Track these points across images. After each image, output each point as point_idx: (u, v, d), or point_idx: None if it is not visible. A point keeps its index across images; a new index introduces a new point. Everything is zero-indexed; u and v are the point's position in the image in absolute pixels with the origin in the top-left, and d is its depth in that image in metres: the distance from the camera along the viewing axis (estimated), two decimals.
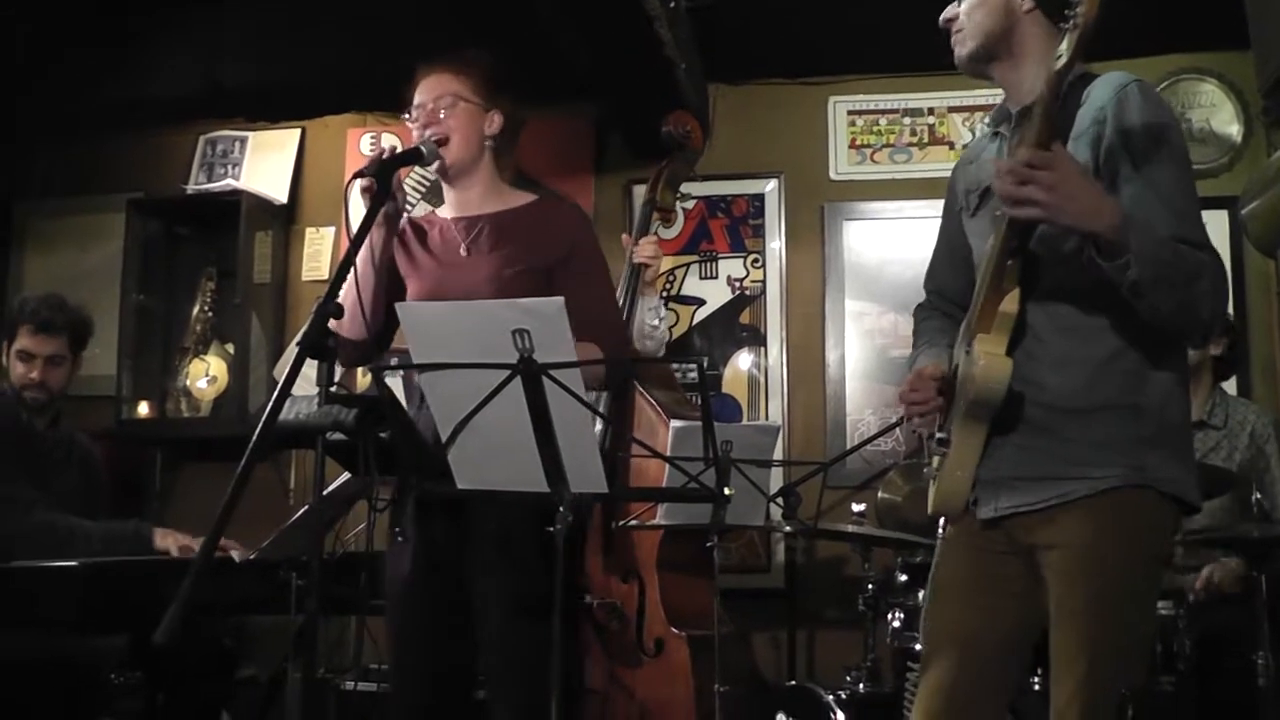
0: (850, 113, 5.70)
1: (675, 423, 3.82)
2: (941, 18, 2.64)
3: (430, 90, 3.13)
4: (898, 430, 5.29)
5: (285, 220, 6.06)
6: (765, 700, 4.52)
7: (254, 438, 2.23)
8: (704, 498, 3.05)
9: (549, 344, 2.39)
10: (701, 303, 5.69)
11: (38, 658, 3.78)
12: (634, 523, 4.09)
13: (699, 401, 4.80)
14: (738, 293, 5.67)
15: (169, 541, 4.10)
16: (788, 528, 4.63)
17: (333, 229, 6.02)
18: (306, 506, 3.71)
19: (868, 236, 5.58)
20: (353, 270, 2.67)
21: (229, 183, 6.04)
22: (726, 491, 3.16)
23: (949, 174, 2.89)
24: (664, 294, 5.62)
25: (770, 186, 5.71)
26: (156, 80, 5.73)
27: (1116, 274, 2.23)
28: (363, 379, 5.27)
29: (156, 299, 5.98)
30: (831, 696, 4.23)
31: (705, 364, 4.53)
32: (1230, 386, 4.86)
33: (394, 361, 3.10)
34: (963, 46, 2.61)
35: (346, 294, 3.01)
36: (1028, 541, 2.47)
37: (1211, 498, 3.82)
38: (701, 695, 4.04)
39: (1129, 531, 2.37)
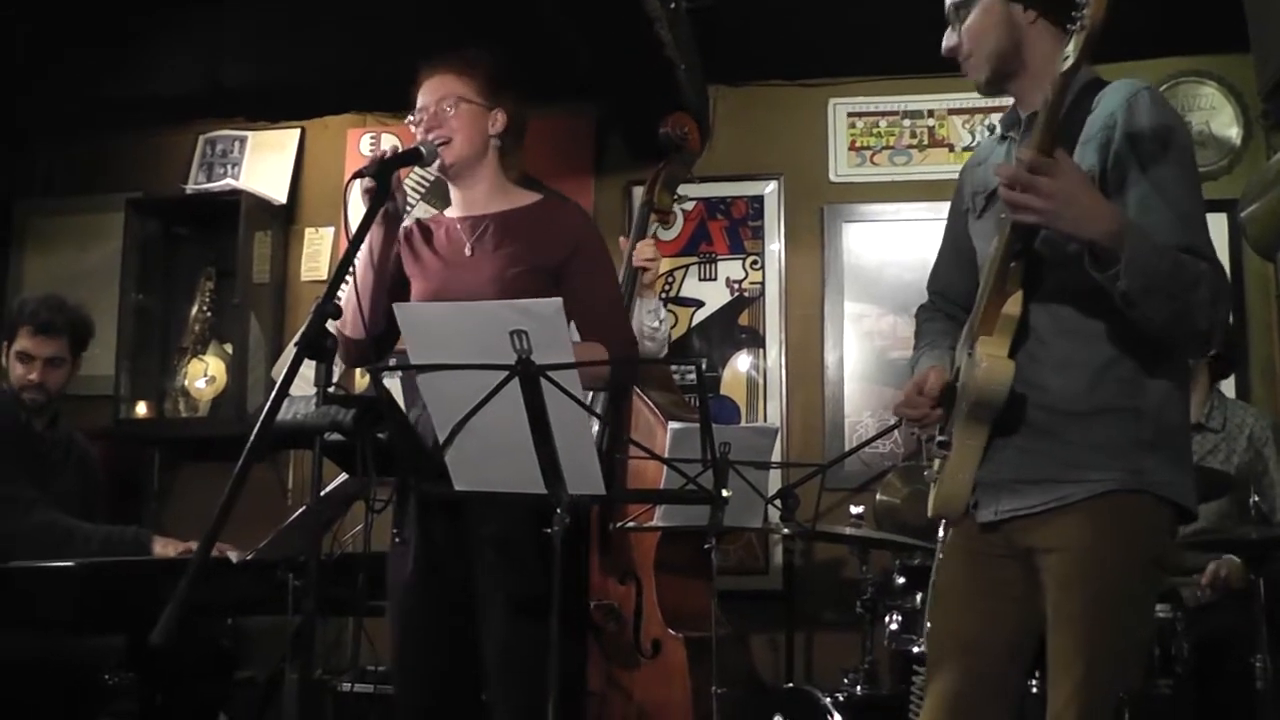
0: (850, 114, 5.70)
1: (673, 424, 3.82)
2: (944, 47, 2.62)
3: (433, 92, 3.12)
4: (896, 432, 5.29)
5: (284, 220, 6.06)
6: (763, 702, 4.51)
7: (252, 438, 2.22)
8: (702, 499, 3.04)
9: (547, 345, 2.39)
10: (700, 304, 5.68)
11: (34, 658, 3.78)
12: (632, 524, 4.09)
13: (697, 403, 4.80)
14: (737, 294, 5.67)
15: (168, 551, 4.10)
16: (786, 530, 4.63)
17: (332, 229, 6.02)
18: (304, 507, 3.71)
19: (867, 238, 5.58)
20: (352, 270, 2.66)
21: (228, 183, 6.04)
22: (724, 493, 3.16)
23: (949, 176, 2.90)
24: (663, 295, 5.62)
25: (770, 188, 5.71)
26: (156, 80, 5.73)
27: (1108, 283, 2.23)
28: (361, 380, 5.27)
29: (155, 299, 5.98)
30: (829, 699, 4.23)
31: (704, 365, 4.53)
32: (1229, 389, 4.86)
33: (393, 362, 3.11)
34: (978, 74, 2.59)
35: (347, 294, 3.02)
36: (1026, 544, 2.47)
37: (1209, 500, 3.83)
38: (699, 697, 4.05)
39: (1126, 535, 2.37)
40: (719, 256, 5.71)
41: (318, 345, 2.39)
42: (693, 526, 3.93)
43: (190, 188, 6.09)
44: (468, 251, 3.10)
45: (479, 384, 2.44)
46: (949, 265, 2.85)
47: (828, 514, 4.99)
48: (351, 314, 3.02)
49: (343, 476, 3.36)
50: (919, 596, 4.17)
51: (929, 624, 2.74)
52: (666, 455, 3.58)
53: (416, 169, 5.05)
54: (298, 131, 6.15)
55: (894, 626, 4.24)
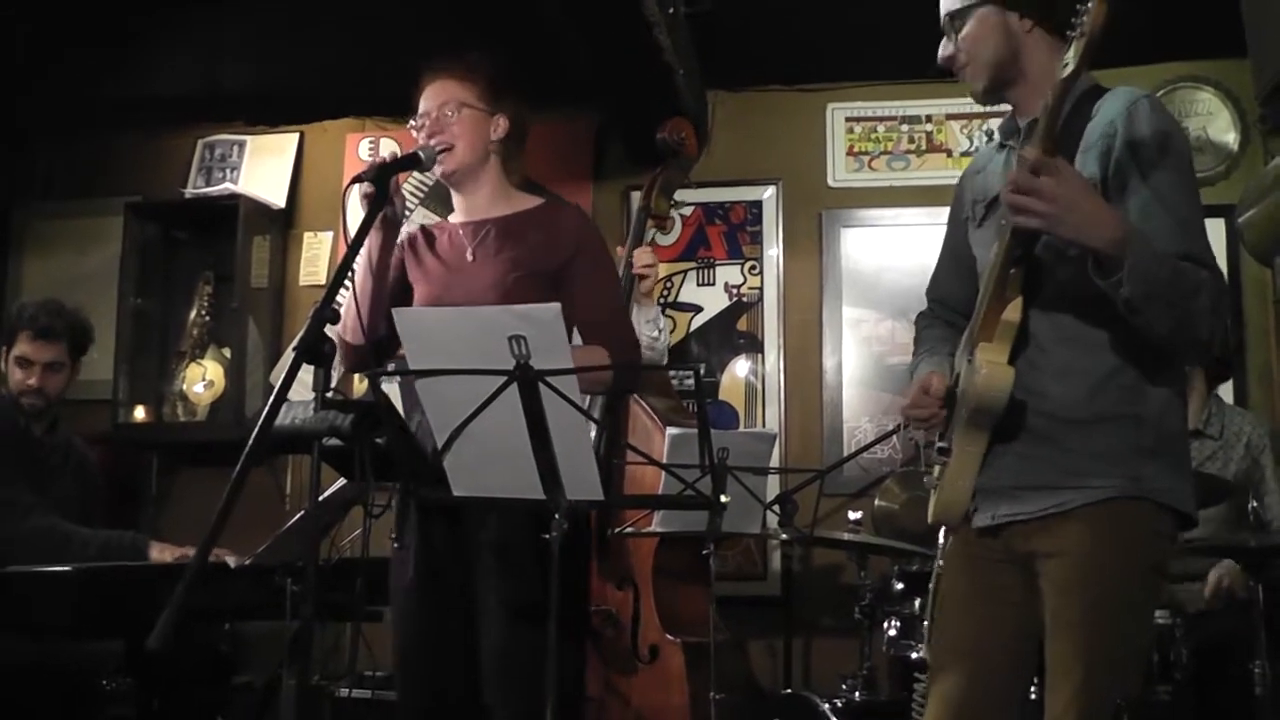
0: (848, 119, 5.71)
1: (671, 430, 3.82)
2: (939, 57, 2.63)
3: (435, 97, 3.12)
4: (894, 438, 5.29)
5: (283, 225, 6.06)
6: (761, 708, 4.52)
7: (250, 443, 2.22)
8: (700, 505, 3.05)
9: (546, 350, 2.39)
10: (699, 309, 5.68)
11: (32, 662, 3.78)
12: (630, 530, 4.09)
13: (694, 408, 4.80)
14: (735, 299, 5.67)
15: (165, 556, 4.10)
16: (784, 535, 4.63)
17: (331, 234, 6.02)
18: (302, 512, 3.71)
19: (865, 243, 5.58)
20: (351, 275, 2.66)
21: (227, 187, 6.04)
22: (723, 499, 3.17)
23: (947, 181, 2.91)
24: (661, 300, 5.62)
25: (768, 193, 5.71)
26: (155, 83, 5.73)
27: (1111, 290, 2.23)
28: (360, 385, 5.27)
29: (154, 303, 5.98)
30: (827, 705, 4.22)
31: (702, 371, 4.52)
32: (1227, 395, 4.86)
33: (392, 367, 3.11)
34: (975, 83, 2.60)
35: (346, 300, 3.02)
36: (1025, 550, 2.47)
37: (1207, 507, 3.82)
38: (697, 703, 4.04)
39: (1126, 542, 2.37)
40: (717, 261, 5.71)
41: (316, 350, 2.39)
42: (691, 532, 3.93)
43: (189, 192, 6.09)
44: (469, 257, 3.10)
45: (478, 389, 2.44)
46: (948, 273, 2.85)
47: (826, 519, 4.99)
48: (351, 319, 3.02)
49: (341, 481, 3.36)
50: (917, 602, 4.17)
51: (930, 631, 2.74)
52: (665, 460, 3.58)
53: (415, 174, 5.05)
54: (297, 136, 6.15)
55: (892, 632, 4.23)
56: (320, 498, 2.75)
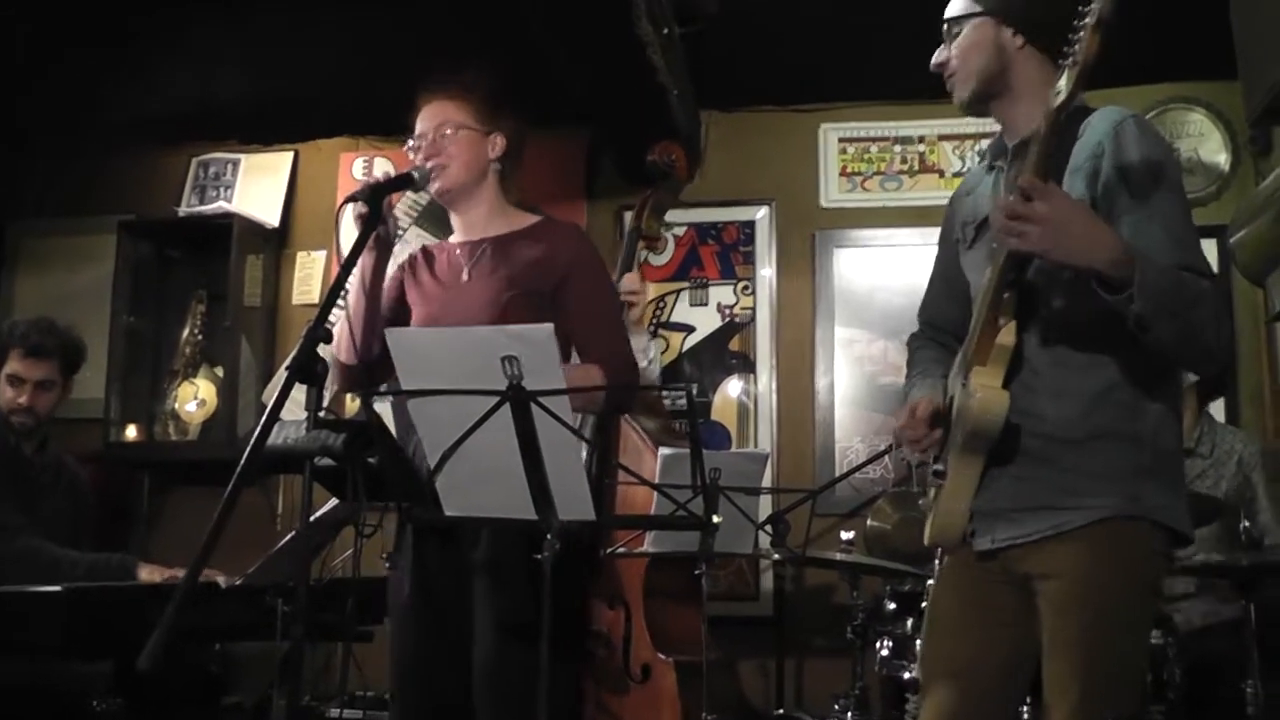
0: (841, 140, 5.72)
1: (664, 450, 3.81)
2: (933, 62, 2.65)
3: (431, 118, 3.12)
4: (887, 458, 5.29)
5: (277, 244, 6.07)
6: None
7: (242, 462, 2.22)
8: (692, 525, 3.04)
9: (538, 370, 2.39)
10: (691, 329, 5.69)
11: (22, 682, 3.76)
12: (622, 550, 4.08)
13: (685, 428, 4.79)
14: (728, 320, 5.67)
15: (154, 577, 4.09)
16: (776, 555, 4.62)
17: (324, 253, 6.02)
18: (293, 532, 3.70)
19: (858, 264, 5.59)
20: (344, 295, 2.66)
21: (221, 205, 6.04)
22: (715, 519, 3.16)
23: (939, 201, 2.91)
24: (654, 320, 5.64)
25: (761, 213, 5.72)
26: (150, 100, 5.74)
27: (1121, 306, 2.23)
28: (352, 404, 5.26)
29: (146, 321, 5.97)
30: None
31: (695, 391, 4.52)
32: (1219, 413, 4.87)
33: (385, 387, 3.10)
34: (961, 90, 2.62)
35: (340, 319, 3.02)
36: (1022, 571, 2.47)
37: (1198, 526, 3.82)
38: None
39: (1123, 561, 2.37)
40: (710, 281, 5.71)
41: (308, 369, 2.39)
42: (683, 552, 3.91)
43: (183, 210, 6.09)
44: (465, 276, 3.10)
45: (470, 409, 2.44)
46: (939, 295, 2.86)
47: (818, 539, 4.98)
48: (344, 339, 3.02)
49: (332, 501, 3.35)
50: (910, 622, 4.16)
51: (923, 650, 2.74)
52: (657, 481, 3.57)
53: (410, 194, 5.05)
54: (291, 155, 6.16)
55: (885, 652, 4.22)
56: (312, 518, 2.73)
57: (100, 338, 5.66)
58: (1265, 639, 3.62)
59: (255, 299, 5.92)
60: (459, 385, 2.44)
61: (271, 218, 6.03)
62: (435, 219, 5.73)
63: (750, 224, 5.72)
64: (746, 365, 5.62)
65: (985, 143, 5.21)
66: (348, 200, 2.85)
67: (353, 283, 3.02)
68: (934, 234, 2.92)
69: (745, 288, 5.67)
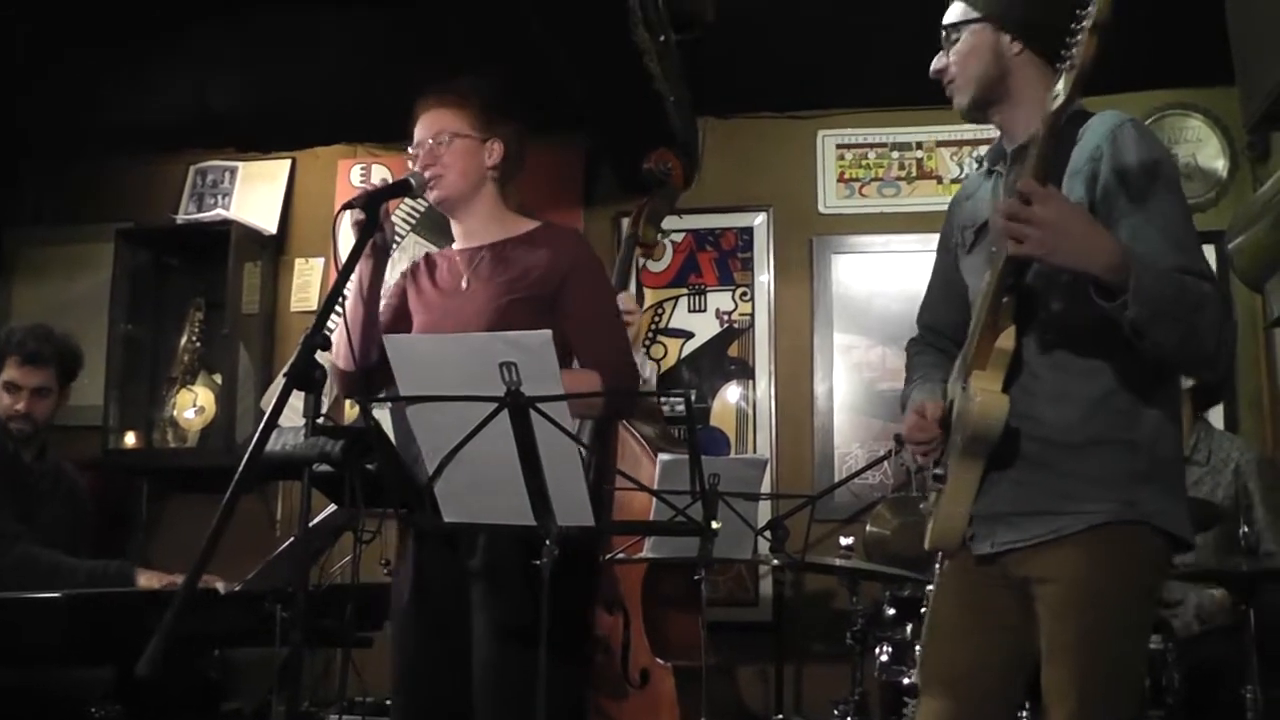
0: (839, 146, 5.73)
1: (663, 456, 3.81)
2: (932, 69, 2.65)
3: (427, 128, 3.11)
4: (886, 463, 5.29)
5: (274, 251, 6.06)
6: None
7: (240, 469, 2.22)
8: (691, 531, 3.04)
9: (536, 377, 2.39)
10: (690, 336, 5.69)
11: (21, 688, 3.76)
12: (621, 556, 4.08)
13: (683, 435, 4.79)
14: (726, 326, 5.68)
15: (152, 582, 4.08)
16: (775, 561, 4.62)
17: (322, 260, 6.02)
18: (292, 538, 3.70)
19: (856, 270, 5.59)
20: (342, 302, 2.66)
21: (219, 213, 6.04)
22: (714, 525, 3.15)
23: (937, 208, 2.92)
24: (652, 328, 5.64)
25: (759, 220, 5.72)
26: (148, 109, 5.74)
27: (1115, 313, 2.23)
28: (350, 411, 5.26)
29: (144, 329, 5.97)
30: None
31: (693, 397, 4.52)
32: (1217, 420, 4.87)
33: (383, 394, 3.10)
34: (960, 96, 2.62)
35: (338, 326, 3.02)
36: (1021, 575, 2.47)
37: (1197, 532, 3.82)
38: None
39: (1122, 566, 2.37)
40: (708, 288, 5.72)
41: (306, 376, 2.39)
42: (682, 558, 3.91)
43: (180, 218, 6.09)
44: (464, 284, 3.10)
45: (468, 416, 2.44)
46: (938, 299, 2.86)
47: (817, 545, 4.98)
48: (342, 346, 3.02)
49: (331, 508, 3.35)
50: (909, 628, 4.16)
51: (922, 653, 2.74)
52: (656, 486, 3.57)
53: (407, 200, 5.05)
54: (288, 162, 6.16)
55: (884, 658, 4.22)
56: (310, 524, 2.74)
57: (98, 345, 5.66)
58: (1264, 645, 3.62)
59: (253, 306, 5.92)
60: (458, 392, 2.44)
61: (269, 225, 6.04)
62: (433, 225, 5.74)
63: (748, 230, 5.72)
64: (745, 371, 5.62)
65: (983, 149, 5.26)
66: (345, 207, 2.85)
67: (350, 289, 3.02)
68: (932, 240, 2.92)
69: (743, 294, 5.67)
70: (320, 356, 2.42)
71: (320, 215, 5.99)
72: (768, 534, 4.51)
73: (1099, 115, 2.50)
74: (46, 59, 5.25)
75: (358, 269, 2.96)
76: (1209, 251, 4.90)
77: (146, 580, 4.10)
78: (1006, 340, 2.43)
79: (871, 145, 5.70)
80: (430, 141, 3.09)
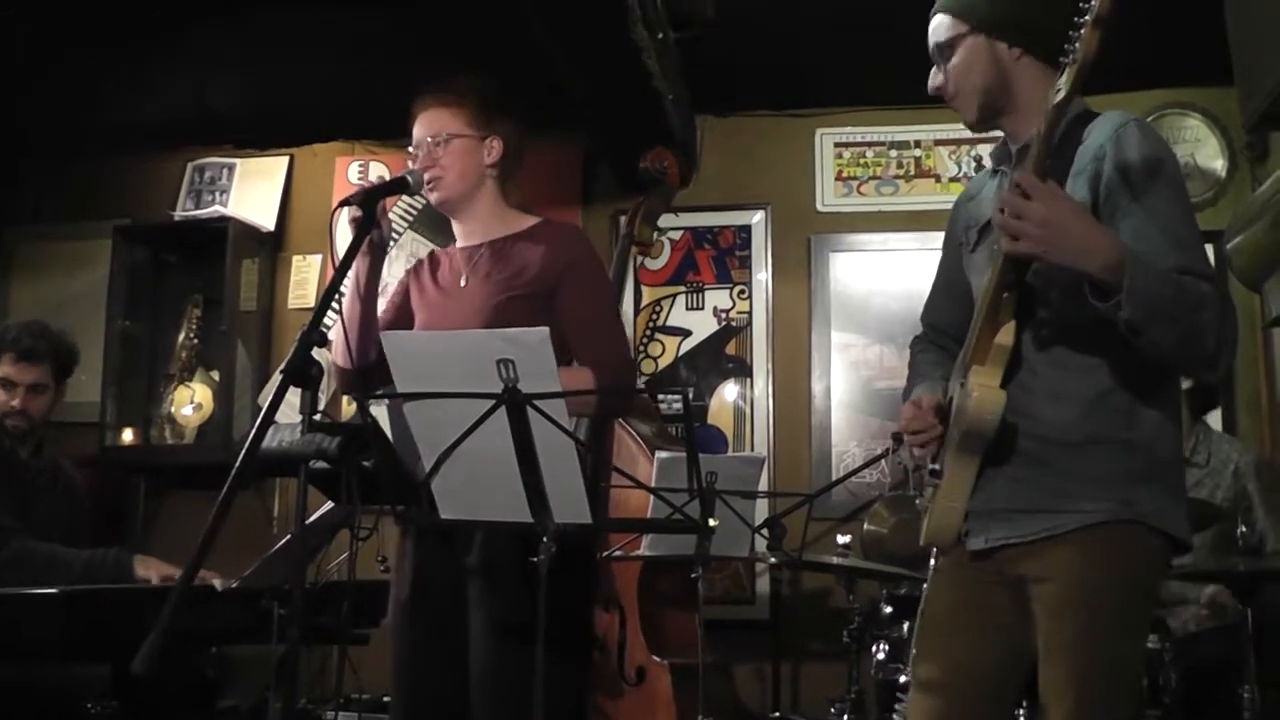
0: (837, 145, 5.73)
1: (661, 453, 3.82)
2: (930, 87, 2.64)
3: (425, 128, 3.10)
4: (883, 462, 5.30)
5: (272, 248, 6.07)
6: None
7: (237, 465, 2.22)
8: (688, 529, 3.03)
9: (534, 374, 2.38)
10: (688, 334, 5.69)
11: (17, 684, 3.75)
12: (619, 553, 4.08)
13: (680, 433, 4.80)
14: (724, 324, 5.68)
15: (149, 570, 4.07)
16: (772, 559, 4.63)
17: (320, 257, 6.03)
18: (289, 535, 3.69)
19: (854, 268, 5.59)
20: (340, 298, 2.66)
21: (216, 209, 6.05)
22: (711, 523, 3.15)
23: (935, 206, 2.91)
24: (650, 326, 5.64)
25: (757, 218, 5.72)
26: (147, 105, 5.74)
27: (1110, 313, 2.23)
28: (348, 407, 5.26)
29: (142, 326, 5.98)
30: None
31: (691, 394, 4.52)
32: (1215, 421, 4.87)
33: (381, 391, 3.10)
34: (967, 111, 2.60)
35: (337, 323, 3.02)
36: (1016, 574, 2.46)
37: (1195, 532, 3.82)
38: None
39: (1119, 565, 2.37)
40: (706, 286, 5.72)
41: (303, 373, 2.39)
42: (679, 556, 3.92)
43: (178, 215, 6.10)
44: (463, 282, 3.10)
45: (465, 413, 2.44)
46: (942, 298, 2.86)
47: (814, 543, 4.98)
48: (340, 343, 3.02)
49: (328, 505, 3.35)
50: (906, 626, 4.17)
51: (916, 650, 2.73)
52: (653, 484, 3.58)
53: (405, 197, 5.04)
54: (286, 159, 6.17)
55: (881, 656, 4.23)
56: (307, 521, 2.73)
57: (96, 342, 5.67)
58: (1262, 644, 3.62)
59: (251, 303, 5.92)
60: (455, 389, 2.44)
61: (267, 222, 6.04)
62: (431, 222, 5.74)
63: (746, 228, 5.72)
64: (743, 369, 5.62)
65: (981, 148, 5.27)
66: (342, 204, 2.84)
67: (347, 287, 3.02)
68: (930, 239, 2.93)
69: (741, 292, 5.68)
70: (318, 354, 2.42)
71: (318, 212, 5.99)
72: (765, 532, 4.52)
73: (1104, 115, 2.49)
74: (46, 59, 5.25)
75: (354, 266, 2.96)
76: (1208, 251, 4.95)
77: (143, 568, 4.09)
78: (1006, 336, 2.43)
79: (870, 144, 5.71)
80: (428, 142, 3.08)
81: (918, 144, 5.65)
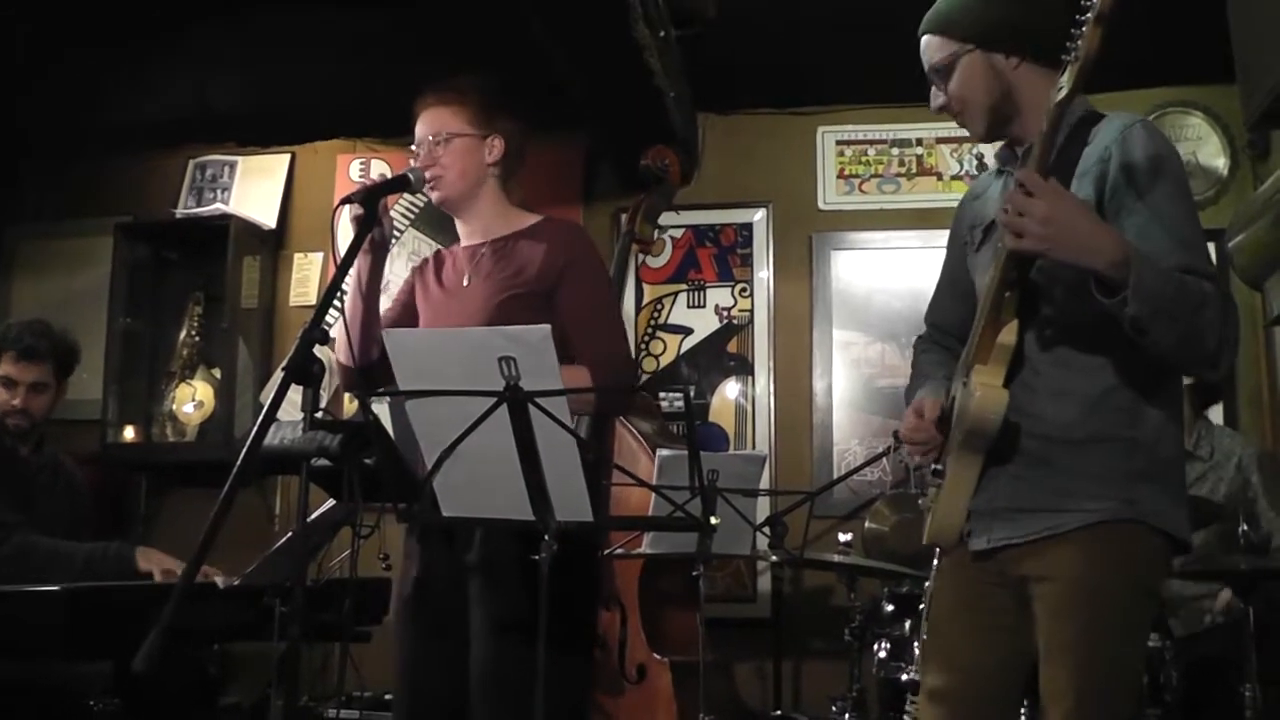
0: (839, 143, 5.73)
1: (662, 451, 3.82)
2: (933, 108, 2.64)
3: (426, 126, 3.10)
4: (884, 460, 5.30)
5: (274, 245, 6.07)
6: None
7: (238, 463, 2.22)
8: (690, 527, 3.03)
9: (535, 372, 2.38)
10: (689, 332, 5.69)
11: (19, 682, 3.75)
12: (620, 551, 4.08)
13: (681, 431, 4.80)
14: (725, 322, 5.68)
15: (151, 562, 4.08)
16: (774, 557, 4.62)
17: (321, 255, 6.03)
18: (291, 532, 3.69)
19: (855, 266, 5.59)
20: (342, 296, 2.66)
21: (218, 207, 6.04)
22: (712, 521, 3.15)
23: (937, 204, 2.91)
24: (651, 324, 5.64)
25: (758, 216, 5.72)
26: (148, 103, 5.74)
27: (1115, 310, 2.23)
28: (350, 405, 5.27)
29: (144, 323, 5.98)
30: None
31: (692, 392, 4.52)
32: (1217, 416, 4.87)
33: (381, 389, 3.10)
34: (974, 126, 2.61)
35: (339, 321, 3.02)
36: (1018, 573, 2.46)
37: (1197, 529, 3.82)
38: None
39: (1119, 565, 2.36)
40: (708, 284, 5.72)
41: (304, 370, 2.39)
42: (681, 554, 3.92)
43: (180, 212, 6.09)
44: (465, 281, 3.10)
45: (467, 411, 2.44)
46: (946, 297, 2.86)
47: (816, 541, 4.98)
48: (343, 341, 3.02)
49: (329, 502, 3.35)
50: (908, 624, 4.16)
51: (921, 654, 2.74)
52: (654, 482, 3.58)
53: (406, 196, 5.03)
54: (288, 157, 6.17)
55: (882, 654, 4.22)
56: (309, 518, 2.74)
57: (98, 340, 5.67)
58: (1263, 642, 3.62)
59: (252, 301, 5.92)
60: (457, 387, 2.44)
61: (268, 219, 6.04)
62: (433, 220, 5.74)
63: (748, 226, 5.72)
64: (744, 367, 5.62)
65: (983, 147, 5.26)
66: (344, 202, 2.84)
67: (348, 285, 3.02)
68: (932, 237, 2.93)
69: (743, 290, 5.68)
70: (320, 351, 2.42)
71: (319, 210, 5.99)
72: (766, 530, 4.51)
73: (1110, 116, 2.49)
74: (46, 59, 5.25)
75: (356, 264, 2.96)
76: (1210, 249, 4.95)
77: (145, 561, 4.08)
78: (1008, 335, 2.42)
79: (871, 141, 5.70)
80: (429, 140, 3.08)
81: (919, 142, 5.65)
